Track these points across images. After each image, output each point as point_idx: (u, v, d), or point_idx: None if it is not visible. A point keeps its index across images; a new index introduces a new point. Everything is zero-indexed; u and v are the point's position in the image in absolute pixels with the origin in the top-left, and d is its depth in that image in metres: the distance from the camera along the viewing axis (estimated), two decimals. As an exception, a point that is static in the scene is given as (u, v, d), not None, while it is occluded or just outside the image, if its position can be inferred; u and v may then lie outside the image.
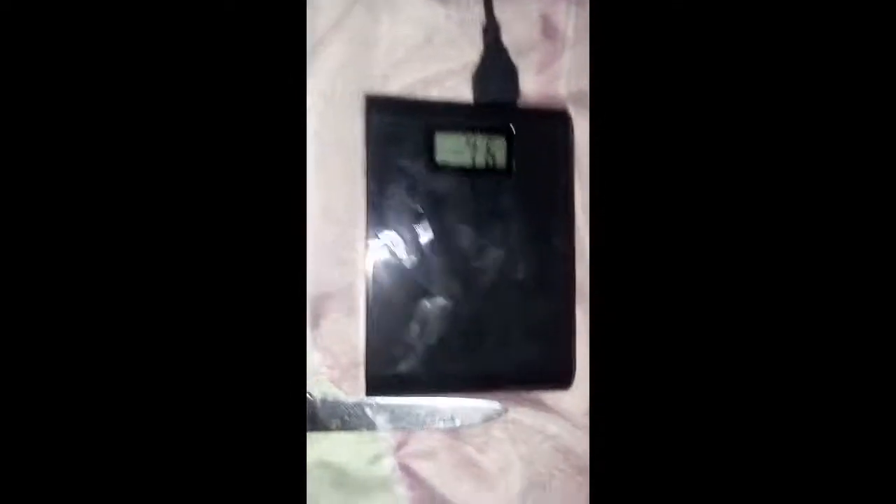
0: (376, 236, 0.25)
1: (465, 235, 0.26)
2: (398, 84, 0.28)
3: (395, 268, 0.25)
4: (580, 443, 0.28)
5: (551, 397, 0.28)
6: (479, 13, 0.28)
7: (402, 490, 0.27)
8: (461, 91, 0.28)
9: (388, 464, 0.27)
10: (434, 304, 0.26)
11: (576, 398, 0.28)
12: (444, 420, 0.26)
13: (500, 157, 0.27)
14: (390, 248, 0.26)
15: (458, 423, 0.26)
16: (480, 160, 0.26)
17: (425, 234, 0.26)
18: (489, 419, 0.26)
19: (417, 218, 0.26)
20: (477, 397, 0.27)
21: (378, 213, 0.25)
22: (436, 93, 0.28)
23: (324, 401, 0.26)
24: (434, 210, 0.26)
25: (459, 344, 0.26)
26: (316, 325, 0.27)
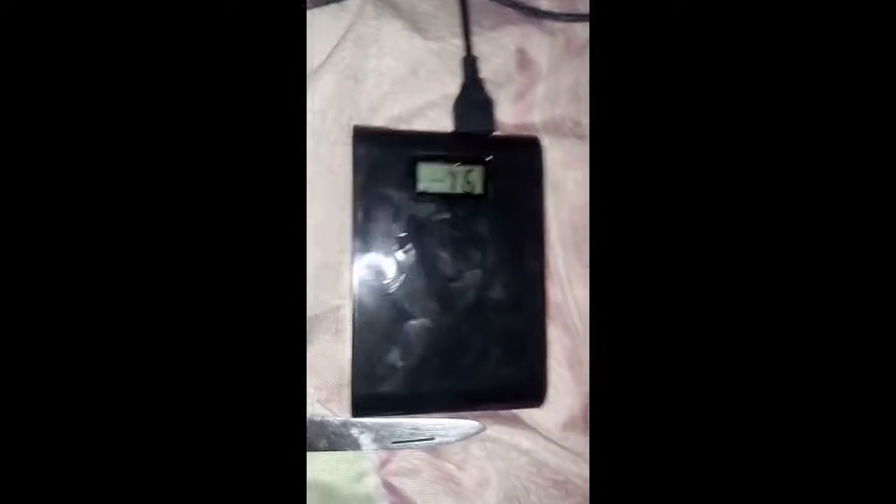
0: (362, 260, 0.26)
1: (444, 259, 0.27)
2: (384, 115, 0.29)
3: (380, 291, 0.26)
4: (554, 456, 0.29)
5: (526, 415, 0.30)
6: (458, 46, 0.30)
7: (385, 507, 0.28)
8: (442, 121, 0.30)
9: (371, 481, 0.28)
10: (416, 326, 0.27)
11: (548, 414, 0.29)
12: (424, 438, 0.27)
13: (478, 184, 0.28)
14: (375, 271, 0.27)
15: (437, 440, 0.27)
16: (459, 188, 0.28)
17: (408, 259, 0.27)
18: (467, 437, 0.28)
19: (400, 243, 0.27)
20: (456, 415, 0.28)
21: (364, 239, 0.26)
22: (419, 123, 0.29)
23: (311, 421, 0.27)
24: (416, 235, 0.27)
25: (439, 364, 0.27)
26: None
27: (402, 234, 0.27)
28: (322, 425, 0.27)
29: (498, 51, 0.31)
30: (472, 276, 0.27)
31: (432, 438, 0.27)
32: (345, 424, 0.27)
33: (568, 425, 0.30)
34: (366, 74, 0.29)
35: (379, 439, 0.27)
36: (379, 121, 0.29)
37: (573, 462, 0.29)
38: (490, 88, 0.30)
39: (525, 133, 0.31)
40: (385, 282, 0.27)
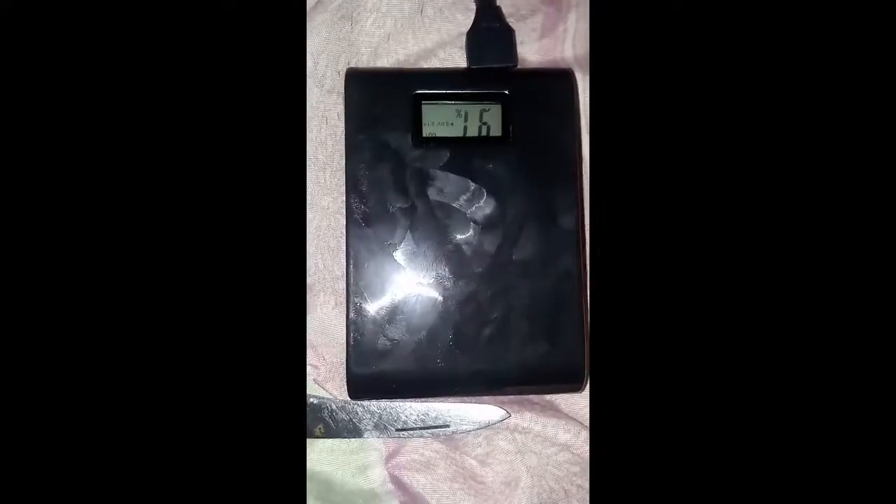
0: (356, 224, 0.23)
1: (457, 215, 0.23)
2: (388, 60, 0.26)
3: (381, 254, 0.23)
4: (600, 454, 0.24)
5: (563, 400, 0.25)
6: (471, -22, 0.26)
7: (394, 506, 0.24)
8: (456, 62, 0.26)
9: (377, 475, 0.24)
10: (424, 294, 0.23)
11: (591, 400, 0.24)
12: (436, 426, 0.23)
13: (495, 125, 0.24)
14: (375, 232, 0.23)
15: (451, 429, 0.23)
16: (472, 130, 0.24)
17: (412, 216, 0.23)
18: (489, 426, 0.23)
19: (403, 197, 0.23)
20: (476, 400, 0.24)
21: (360, 196, 0.23)
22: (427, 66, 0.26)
23: (307, 403, 0.23)
24: (421, 188, 0.23)
25: (453, 338, 0.23)
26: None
27: (405, 188, 0.23)
28: (319, 408, 0.23)
29: (519, -21, 0.26)
30: (491, 233, 0.23)
31: (447, 426, 0.23)
32: (344, 408, 0.23)
33: (615, 416, 0.24)
34: (364, 14, 0.25)
35: (382, 426, 0.23)
36: (380, 65, 0.25)
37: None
38: (512, 22, 0.26)
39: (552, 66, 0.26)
40: (386, 242, 0.23)
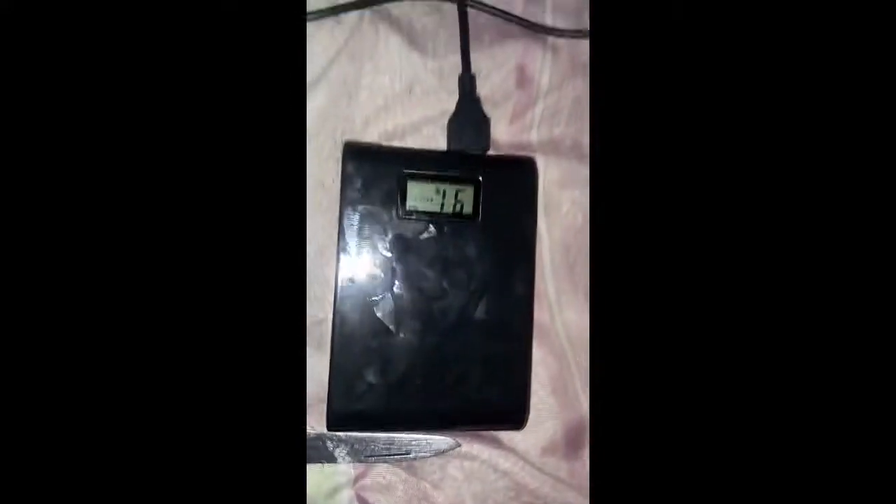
0: (346, 276, 0.26)
1: (430, 278, 0.27)
2: (378, 130, 0.29)
3: (362, 306, 0.27)
4: (533, 480, 0.29)
5: (506, 437, 0.29)
6: (456, 64, 0.29)
7: (358, 521, 0.28)
8: (437, 138, 0.29)
9: (345, 496, 0.28)
10: (397, 343, 0.27)
11: (528, 437, 0.29)
12: (400, 453, 0.27)
13: (468, 205, 0.28)
14: (359, 287, 0.27)
15: (412, 455, 0.27)
16: (448, 207, 0.28)
17: (392, 276, 0.27)
18: (442, 453, 0.28)
19: (386, 260, 0.27)
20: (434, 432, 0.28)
21: (348, 254, 0.27)
22: (413, 140, 0.29)
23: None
24: (402, 253, 0.27)
25: (420, 383, 0.27)
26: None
27: (388, 252, 0.27)
28: (299, 437, 0.27)
29: (497, 67, 0.30)
30: (458, 296, 0.27)
31: (409, 453, 0.27)
32: (320, 437, 0.27)
33: (548, 450, 0.30)
34: (360, 90, 0.29)
35: (354, 453, 0.27)
36: (371, 136, 0.29)
37: (552, 487, 0.29)
38: (487, 107, 0.30)
39: (521, 153, 0.30)
40: (369, 298, 0.27)
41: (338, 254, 0.27)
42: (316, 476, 0.28)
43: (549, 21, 0.31)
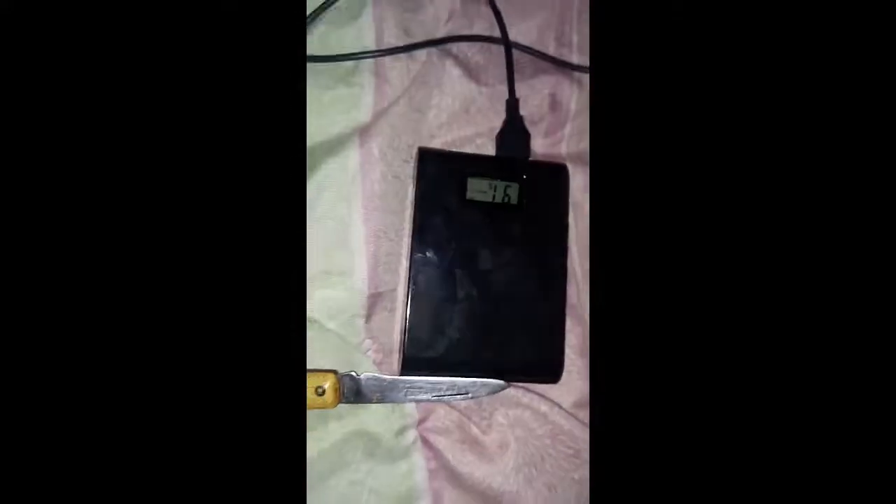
0: (418, 253, 0.33)
1: (484, 255, 0.34)
2: (441, 140, 0.36)
3: (431, 277, 0.33)
4: (567, 422, 0.34)
5: (543, 389, 0.35)
6: (503, 91, 0.37)
7: (420, 459, 0.33)
8: (487, 147, 0.37)
9: (411, 435, 0.34)
10: (458, 307, 0.33)
11: (562, 392, 0.35)
12: (460, 393, 0.33)
13: (514, 198, 0.35)
14: (428, 262, 0.33)
15: (470, 395, 0.33)
16: (499, 199, 0.35)
17: (455, 253, 0.33)
18: (495, 392, 0.33)
19: (450, 240, 0.34)
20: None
21: (421, 236, 0.33)
22: (468, 148, 0.37)
23: (367, 378, 0.33)
24: (463, 235, 0.34)
25: (475, 339, 0.33)
26: (368, 319, 0.34)
27: (451, 233, 0.34)
28: (375, 381, 0.33)
29: (534, 94, 0.38)
30: (505, 270, 0.34)
31: (467, 393, 0.33)
32: (394, 382, 0.33)
33: (578, 403, 0.35)
34: (429, 109, 0.37)
35: (423, 391, 0.33)
36: (437, 144, 0.36)
37: (582, 430, 0.34)
38: (527, 125, 0.37)
39: (555, 161, 0.38)
40: (436, 269, 0.33)
41: (413, 234, 0.33)
42: (386, 417, 0.33)
43: (575, 60, 0.39)
